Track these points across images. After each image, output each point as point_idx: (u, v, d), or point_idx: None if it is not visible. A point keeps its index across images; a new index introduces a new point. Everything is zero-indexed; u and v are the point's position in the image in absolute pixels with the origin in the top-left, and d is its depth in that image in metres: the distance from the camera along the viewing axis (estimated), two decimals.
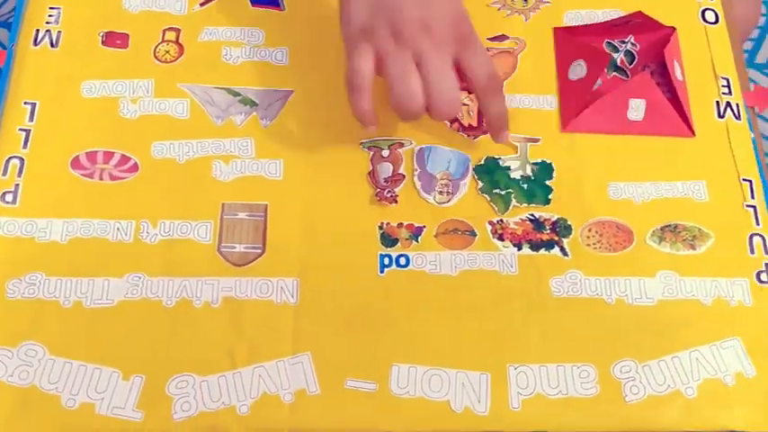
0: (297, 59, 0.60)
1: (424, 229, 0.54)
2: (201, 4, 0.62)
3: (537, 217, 0.55)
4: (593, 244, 0.54)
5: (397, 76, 0.50)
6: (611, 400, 0.50)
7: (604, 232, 0.55)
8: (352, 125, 0.56)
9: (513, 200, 0.55)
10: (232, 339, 0.50)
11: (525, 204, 0.55)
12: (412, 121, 0.52)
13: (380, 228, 0.54)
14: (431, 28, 0.49)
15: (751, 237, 0.55)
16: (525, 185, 0.56)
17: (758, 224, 0.56)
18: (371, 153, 0.56)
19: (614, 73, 0.59)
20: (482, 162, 0.57)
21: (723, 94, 0.60)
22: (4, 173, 0.54)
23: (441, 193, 0.55)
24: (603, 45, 0.59)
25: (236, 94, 0.58)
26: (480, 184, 0.56)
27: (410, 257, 0.53)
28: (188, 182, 0.55)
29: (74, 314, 0.50)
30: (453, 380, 0.50)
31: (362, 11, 0.51)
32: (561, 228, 0.55)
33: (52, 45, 0.59)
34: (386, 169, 0.56)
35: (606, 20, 0.63)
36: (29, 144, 0.55)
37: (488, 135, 0.57)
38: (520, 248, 0.54)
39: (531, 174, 0.56)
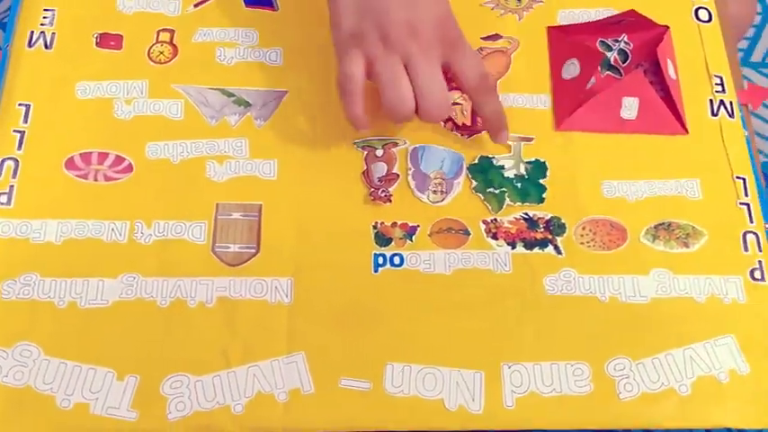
0: (291, 60, 0.60)
1: (418, 229, 0.54)
2: (195, 5, 0.62)
3: (531, 216, 0.55)
4: (587, 242, 0.55)
5: (387, 81, 0.50)
6: (605, 398, 0.50)
7: (598, 230, 0.55)
8: (346, 125, 0.56)
9: (507, 199, 0.55)
10: (226, 339, 0.50)
11: (519, 203, 0.55)
12: (403, 123, 0.52)
13: (374, 227, 0.54)
14: (418, 31, 0.50)
15: (744, 234, 0.55)
16: (519, 184, 0.56)
17: (752, 222, 0.56)
18: (365, 153, 0.57)
19: (607, 72, 0.59)
20: (476, 161, 0.57)
21: (716, 92, 0.60)
22: None
23: (434, 192, 0.56)
24: (597, 44, 0.59)
25: (230, 94, 0.58)
26: (474, 182, 0.56)
27: (404, 257, 0.53)
28: (182, 182, 0.55)
29: (68, 314, 0.50)
30: (447, 378, 0.50)
31: (351, 15, 0.51)
32: (555, 226, 0.55)
33: (46, 46, 0.59)
34: (380, 169, 0.56)
35: (599, 18, 0.63)
36: (23, 145, 0.55)
37: (482, 134, 0.58)
38: (514, 247, 0.54)
39: (524, 173, 0.56)
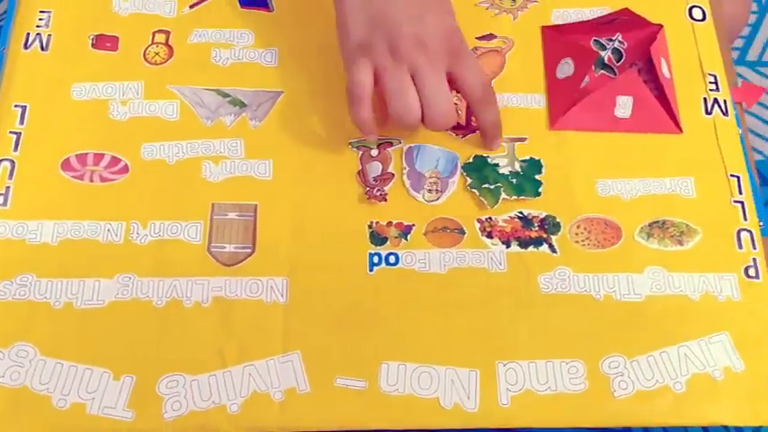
0: (286, 61, 0.60)
1: (414, 228, 0.55)
2: (191, 7, 0.62)
3: (525, 214, 0.55)
4: (582, 241, 0.55)
5: (395, 90, 0.51)
6: (600, 396, 0.50)
7: (593, 229, 0.55)
8: (341, 125, 0.56)
9: (503, 193, 0.56)
10: (222, 339, 0.50)
11: (515, 197, 0.56)
12: (409, 131, 0.54)
13: (370, 226, 0.54)
14: (426, 44, 0.52)
15: (739, 232, 0.56)
16: (514, 180, 0.56)
17: (746, 219, 0.56)
18: (360, 152, 0.57)
19: (602, 71, 0.59)
20: (470, 160, 0.57)
21: (710, 90, 0.61)
22: None
23: (430, 191, 0.56)
24: (591, 43, 0.60)
25: (225, 95, 0.59)
26: (469, 179, 0.56)
27: (399, 256, 0.54)
28: (178, 183, 0.55)
29: (65, 315, 0.51)
30: (443, 377, 0.50)
31: (360, 27, 0.52)
32: (550, 225, 0.55)
33: (42, 48, 0.59)
34: (375, 168, 0.56)
35: (593, 18, 0.63)
36: (19, 147, 0.56)
37: (477, 133, 0.58)
38: (508, 246, 0.54)
39: (519, 169, 0.57)
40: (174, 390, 0.49)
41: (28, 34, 0.60)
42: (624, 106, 0.59)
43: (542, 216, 0.55)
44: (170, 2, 0.62)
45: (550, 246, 0.54)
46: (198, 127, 0.57)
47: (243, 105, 0.58)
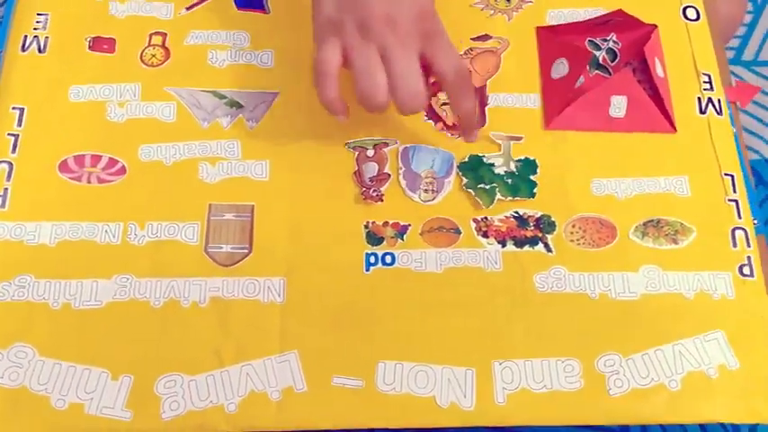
0: (282, 62, 0.60)
1: (410, 228, 0.55)
2: (187, 9, 0.62)
3: (521, 214, 0.56)
4: (577, 240, 0.55)
5: (362, 69, 0.50)
6: (596, 394, 0.50)
7: (588, 228, 0.55)
8: (338, 126, 0.56)
9: (498, 194, 0.56)
10: (220, 339, 0.51)
11: (510, 197, 0.56)
12: (377, 113, 0.52)
13: (366, 226, 0.55)
14: (396, 23, 0.50)
15: (733, 230, 0.56)
16: (509, 180, 0.56)
17: (740, 218, 0.56)
18: (356, 153, 0.57)
19: (596, 71, 0.59)
20: (466, 159, 0.57)
21: (705, 90, 0.61)
22: None
23: (426, 191, 0.56)
24: (585, 43, 0.60)
25: (222, 96, 0.59)
26: (465, 179, 0.56)
27: (396, 256, 0.54)
28: (175, 184, 0.56)
29: (63, 316, 0.51)
30: (439, 376, 0.50)
31: (331, 5, 0.51)
32: (545, 224, 0.55)
33: (40, 50, 0.60)
34: (371, 169, 0.56)
35: (588, 18, 0.63)
36: (17, 148, 0.56)
37: None
38: (504, 245, 0.55)
39: (514, 169, 0.57)
40: (171, 390, 0.49)
41: (25, 37, 0.60)
42: (619, 106, 0.59)
43: (538, 215, 0.56)
44: (166, 4, 0.62)
45: (546, 245, 0.55)
46: (195, 128, 0.58)
47: (239, 106, 0.59)
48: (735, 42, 1.24)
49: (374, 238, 0.54)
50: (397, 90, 0.50)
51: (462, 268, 0.54)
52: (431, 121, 0.59)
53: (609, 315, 0.53)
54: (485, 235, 0.55)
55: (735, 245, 0.55)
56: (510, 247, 0.55)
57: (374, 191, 0.55)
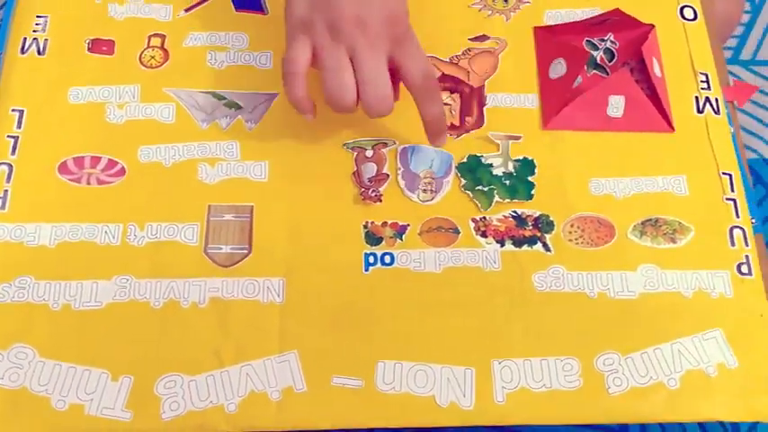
0: (280, 63, 0.60)
1: (408, 228, 0.55)
2: (186, 10, 0.62)
3: (519, 213, 0.56)
4: (576, 239, 0.55)
5: (330, 69, 0.51)
6: (595, 393, 0.51)
7: (586, 227, 0.56)
8: (337, 127, 0.57)
9: (496, 196, 0.56)
10: (219, 339, 0.51)
11: (508, 200, 0.56)
12: (345, 114, 0.53)
13: (365, 227, 0.55)
14: (366, 25, 0.51)
15: (731, 229, 0.56)
16: (507, 181, 0.57)
17: (738, 217, 0.56)
18: (355, 153, 0.57)
19: (594, 71, 0.59)
20: (464, 160, 0.57)
21: (702, 89, 0.61)
22: None
23: (424, 191, 0.56)
24: (583, 43, 0.60)
25: (221, 97, 0.59)
26: (463, 181, 0.57)
27: (395, 256, 0.54)
28: (174, 185, 0.56)
29: (63, 317, 0.51)
30: (438, 375, 0.51)
31: (303, 5, 0.52)
32: (543, 224, 0.56)
33: (39, 53, 0.60)
34: (370, 169, 0.56)
35: (585, 18, 0.63)
36: (17, 150, 0.56)
37: (471, 133, 0.58)
38: (503, 245, 0.55)
39: (512, 170, 0.57)
40: (172, 390, 0.49)
41: (25, 39, 0.60)
42: (616, 105, 0.59)
43: (536, 215, 0.56)
44: (165, 6, 0.62)
45: (544, 244, 0.55)
46: (194, 129, 0.58)
47: (238, 108, 0.59)
48: (733, 42, 1.24)
49: (373, 238, 0.55)
50: (364, 92, 0.51)
51: (461, 268, 0.54)
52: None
53: (608, 314, 0.53)
54: (483, 235, 0.55)
55: (733, 244, 0.56)
56: (509, 246, 0.55)
57: (373, 191, 0.56)
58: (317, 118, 0.55)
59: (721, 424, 0.96)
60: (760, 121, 1.19)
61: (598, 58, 0.60)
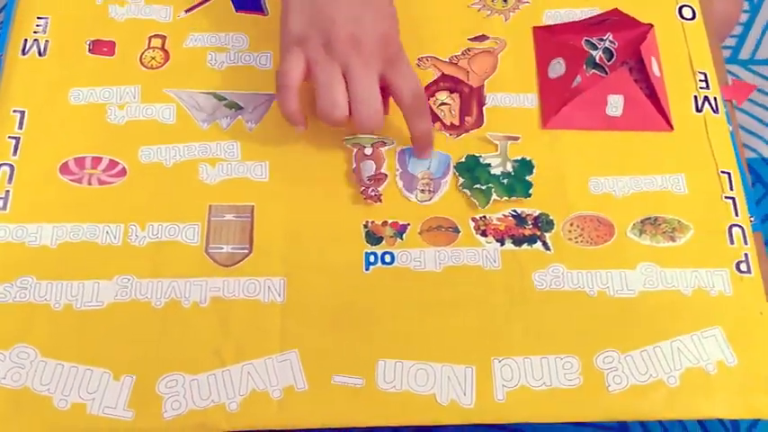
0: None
1: (409, 227, 0.55)
2: (186, 11, 0.63)
3: (519, 212, 0.56)
4: (575, 238, 0.55)
5: (323, 84, 0.52)
6: (595, 391, 0.51)
7: (586, 226, 0.56)
8: (334, 129, 0.57)
9: (494, 194, 0.56)
10: (221, 338, 0.51)
11: (506, 197, 0.56)
12: (336, 127, 0.54)
13: (365, 226, 0.55)
14: (360, 44, 0.52)
15: (730, 228, 0.56)
16: (505, 180, 0.57)
17: (737, 215, 0.57)
18: (355, 150, 0.57)
19: (593, 70, 0.60)
20: (463, 159, 0.57)
21: (701, 88, 0.61)
22: None
23: (422, 191, 0.56)
24: (582, 43, 0.60)
25: (221, 98, 0.59)
26: (461, 180, 0.57)
27: (395, 255, 0.54)
28: (175, 185, 0.56)
29: (64, 317, 0.51)
30: (439, 374, 0.51)
31: (300, 21, 0.53)
32: (543, 222, 0.56)
33: (40, 54, 0.60)
34: (369, 167, 0.57)
35: (584, 18, 0.63)
36: (18, 151, 0.56)
37: (470, 134, 0.59)
38: (503, 244, 0.55)
39: (511, 170, 0.57)
40: (173, 389, 0.49)
41: (25, 40, 0.60)
42: (615, 105, 0.59)
43: (536, 214, 0.56)
44: (166, 7, 0.63)
45: (544, 243, 0.55)
46: (194, 130, 0.58)
47: (239, 108, 0.59)
48: (732, 41, 1.25)
49: (373, 237, 0.55)
50: (356, 110, 0.52)
51: (461, 267, 0.54)
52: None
53: (607, 312, 0.53)
54: (483, 234, 0.55)
55: (732, 242, 0.56)
56: (508, 245, 0.55)
57: (373, 190, 0.56)
58: (316, 118, 0.55)
59: (721, 422, 0.97)
60: (759, 120, 1.20)
61: (597, 58, 0.60)
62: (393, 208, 0.56)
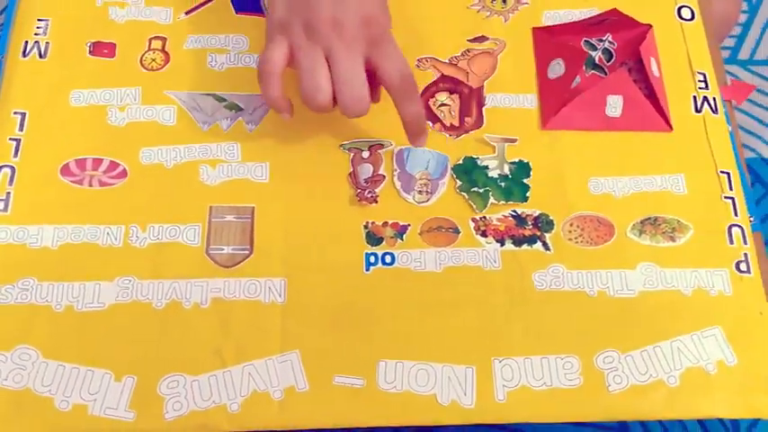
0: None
1: (409, 228, 0.55)
2: (186, 13, 0.63)
3: (519, 213, 0.56)
4: (575, 238, 0.56)
5: (306, 69, 0.51)
6: (595, 391, 0.51)
7: (585, 226, 0.56)
8: (337, 128, 0.57)
9: (492, 197, 0.56)
10: (222, 339, 0.51)
11: (503, 202, 0.56)
12: (323, 113, 0.53)
13: (366, 227, 0.55)
14: (343, 26, 0.51)
15: (730, 227, 0.56)
16: (503, 184, 0.57)
17: (736, 215, 0.57)
18: (352, 154, 0.57)
19: (592, 71, 0.60)
20: (460, 161, 0.58)
21: (700, 88, 0.61)
22: None
23: (420, 192, 0.56)
24: (581, 44, 0.60)
25: (221, 99, 0.59)
26: (459, 182, 0.57)
27: (395, 255, 0.54)
28: (176, 186, 0.56)
29: (66, 318, 0.51)
30: (440, 374, 0.51)
31: (283, 8, 0.52)
32: (543, 223, 0.56)
33: (41, 56, 0.60)
34: (366, 170, 0.57)
35: (583, 18, 0.64)
36: (19, 153, 0.56)
37: (470, 134, 0.59)
38: (503, 244, 0.55)
39: (508, 173, 0.57)
40: (174, 390, 0.49)
41: (26, 42, 0.61)
42: (615, 105, 0.59)
43: (536, 214, 0.56)
44: (166, 9, 0.63)
45: (544, 243, 0.55)
46: (195, 131, 0.58)
47: (239, 109, 0.59)
48: (730, 42, 1.25)
49: (374, 238, 0.55)
50: (340, 92, 0.51)
51: (461, 267, 0.54)
52: (429, 121, 0.59)
53: (607, 312, 0.53)
54: (483, 234, 0.55)
55: (731, 242, 0.56)
56: (508, 245, 0.55)
57: (369, 192, 0.56)
58: (317, 119, 0.55)
59: (721, 421, 0.97)
60: (758, 120, 1.20)
61: (596, 59, 0.60)
62: (393, 209, 0.56)
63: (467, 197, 0.56)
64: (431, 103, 0.60)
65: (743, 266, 0.55)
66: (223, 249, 0.54)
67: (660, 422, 0.95)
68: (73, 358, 0.50)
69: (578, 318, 0.53)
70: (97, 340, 0.51)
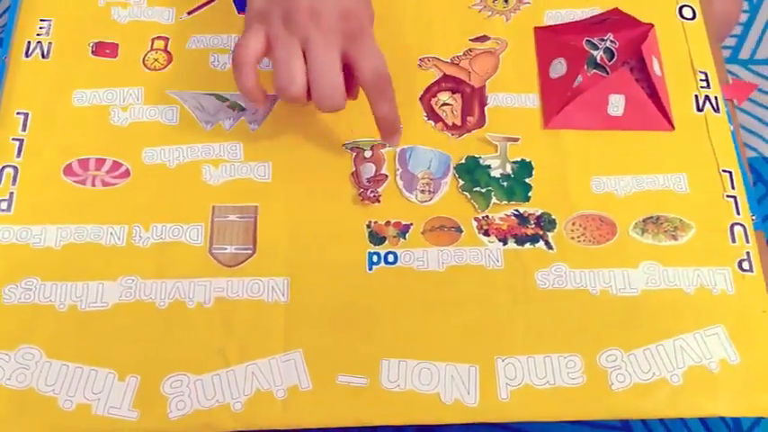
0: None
1: (412, 227, 0.55)
2: (189, 13, 0.63)
3: (521, 212, 0.56)
4: (578, 237, 0.56)
5: (281, 59, 0.51)
6: (598, 389, 0.51)
7: (588, 225, 0.56)
8: (340, 127, 0.57)
9: (494, 197, 0.56)
10: (225, 338, 0.51)
11: (505, 201, 0.56)
12: (298, 105, 0.53)
13: (368, 226, 0.55)
14: (320, 17, 0.51)
15: (732, 226, 0.56)
16: (505, 183, 0.57)
17: (738, 214, 0.57)
18: (354, 154, 0.57)
19: (594, 70, 0.60)
20: (463, 161, 0.58)
21: (702, 87, 0.61)
22: None
23: (422, 192, 0.57)
24: (583, 43, 0.60)
25: (224, 99, 0.59)
26: (461, 182, 0.57)
27: (398, 255, 0.54)
28: (179, 186, 0.56)
29: (69, 317, 0.51)
30: (443, 373, 0.51)
31: None
32: (546, 222, 0.56)
33: (43, 56, 0.60)
34: (368, 170, 0.57)
35: (585, 18, 0.64)
36: (22, 153, 0.56)
37: (472, 133, 0.59)
38: (505, 243, 0.55)
39: (510, 172, 0.57)
40: (178, 389, 0.50)
41: (29, 42, 0.61)
42: (617, 104, 0.59)
43: (538, 213, 0.56)
44: (168, 8, 0.63)
45: (546, 242, 0.55)
46: (197, 131, 0.58)
47: (241, 109, 0.59)
48: (731, 41, 1.25)
49: (376, 237, 0.55)
50: (314, 84, 0.51)
51: (464, 266, 0.54)
52: (431, 121, 0.59)
53: (610, 311, 0.53)
54: (486, 233, 0.55)
55: (734, 240, 0.56)
56: (511, 244, 0.55)
57: (371, 191, 0.56)
58: (320, 118, 0.55)
59: (723, 420, 0.97)
60: (759, 119, 1.20)
61: (598, 58, 0.60)
62: (396, 208, 0.56)
63: (469, 197, 0.56)
64: (433, 102, 0.60)
65: (745, 265, 0.55)
66: (226, 249, 0.54)
67: (663, 420, 0.95)
68: (76, 358, 0.50)
69: (581, 316, 0.53)
70: (100, 340, 0.51)
